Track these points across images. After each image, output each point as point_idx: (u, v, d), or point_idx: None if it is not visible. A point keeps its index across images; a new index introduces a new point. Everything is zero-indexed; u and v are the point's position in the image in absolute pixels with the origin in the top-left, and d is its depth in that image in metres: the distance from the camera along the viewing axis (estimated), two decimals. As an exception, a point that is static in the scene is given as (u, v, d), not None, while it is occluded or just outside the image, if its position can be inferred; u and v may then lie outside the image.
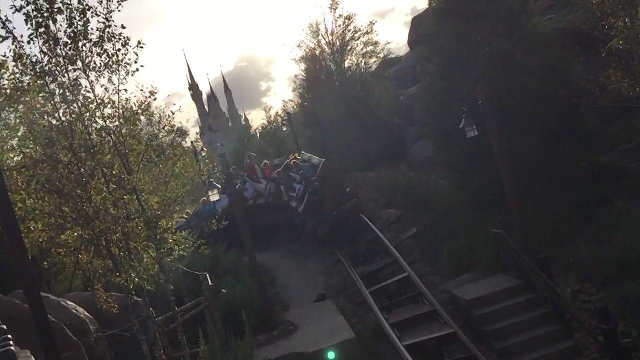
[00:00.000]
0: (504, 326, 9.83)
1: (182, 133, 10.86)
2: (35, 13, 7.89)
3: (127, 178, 8.53)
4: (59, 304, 9.52)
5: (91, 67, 8.43)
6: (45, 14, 7.95)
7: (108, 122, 8.69)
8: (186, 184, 9.77)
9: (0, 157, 9.46)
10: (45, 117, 8.42)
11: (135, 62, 8.60)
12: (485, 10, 12.74)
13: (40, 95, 8.38)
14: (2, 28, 7.79)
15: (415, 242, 14.17)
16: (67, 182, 8.01)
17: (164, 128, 9.91)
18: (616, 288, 9.56)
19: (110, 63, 8.49)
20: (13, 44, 7.92)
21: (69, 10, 8.05)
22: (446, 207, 14.22)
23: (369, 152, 21.21)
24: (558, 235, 11.42)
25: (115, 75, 8.60)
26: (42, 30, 7.99)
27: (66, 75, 8.28)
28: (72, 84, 8.33)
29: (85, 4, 8.13)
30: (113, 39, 8.41)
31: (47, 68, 8.15)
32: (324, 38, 24.28)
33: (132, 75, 8.67)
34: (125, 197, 8.52)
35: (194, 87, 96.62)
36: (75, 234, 8.48)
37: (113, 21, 8.38)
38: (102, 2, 8.29)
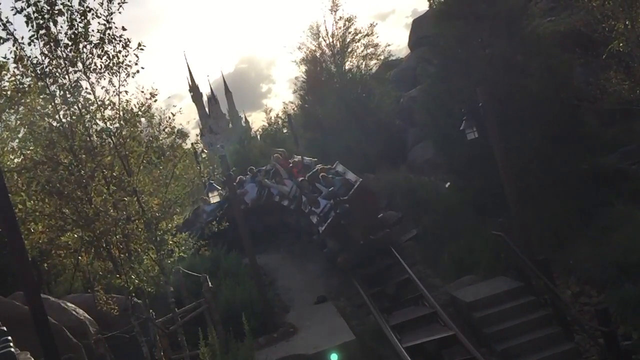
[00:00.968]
0: (504, 328, 9.82)
1: (183, 135, 10.81)
2: (35, 15, 7.90)
3: (127, 179, 8.53)
4: (59, 306, 9.53)
5: (91, 69, 8.42)
6: (46, 16, 7.95)
7: (108, 123, 8.69)
8: (186, 185, 9.76)
9: (0, 158, 9.45)
10: (46, 118, 8.42)
11: (136, 64, 8.61)
12: (485, 12, 12.74)
13: (41, 96, 8.39)
14: (2, 30, 7.80)
15: (416, 243, 14.16)
16: (67, 183, 8.02)
17: (164, 130, 9.88)
18: (616, 290, 9.56)
19: (111, 65, 8.49)
20: (14, 46, 7.95)
21: (69, 11, 8.06)
22: (446, 209, 14.21)
23: (369, 153, 21.15)
24: (558, 237, 11.41)
25: (116, 76, 8.59)
26: (42, 31, 8.00)
27: (66, 76, 8.29)
28: (73, 85, 8.34)
29: (85, 5, 8.15)
30: (113, 40, 8.41)
31: (47, 69, 8.16)
32: (324, 40, 24.30)
33: (133, 76, 8.67)
34: (125, 198, 8.53)
35: (194, 89, 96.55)
36: (75, 236, 8.50)
37: (113, 23, 8.39)
38: (102, 3, 8.28)
